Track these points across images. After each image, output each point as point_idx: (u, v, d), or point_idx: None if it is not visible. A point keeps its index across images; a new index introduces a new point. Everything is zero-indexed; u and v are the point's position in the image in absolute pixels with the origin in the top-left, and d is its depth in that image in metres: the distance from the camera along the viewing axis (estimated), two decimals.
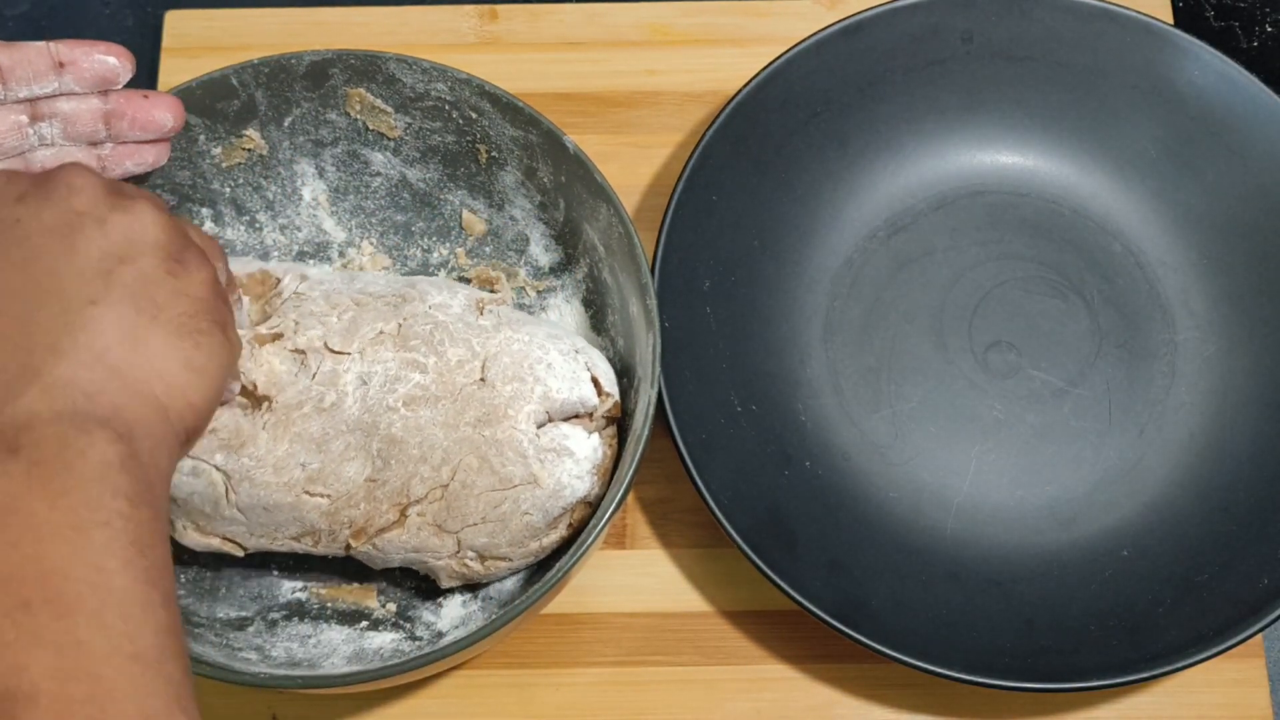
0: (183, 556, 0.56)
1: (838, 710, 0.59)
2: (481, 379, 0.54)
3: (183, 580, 0.57)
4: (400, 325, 0.54)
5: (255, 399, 0.53)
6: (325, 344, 0.54)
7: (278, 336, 0.54)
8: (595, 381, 0.55)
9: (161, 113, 0.52)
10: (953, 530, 0.61)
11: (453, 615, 0.57)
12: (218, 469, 0.53)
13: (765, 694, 0.60)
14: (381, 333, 0.54)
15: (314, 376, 0.53)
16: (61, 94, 0.50)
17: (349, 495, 0.53)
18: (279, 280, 0.56)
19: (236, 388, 0.52)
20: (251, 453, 0.53)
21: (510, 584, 0.58)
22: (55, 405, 0.39)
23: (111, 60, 0.50)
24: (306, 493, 0.53)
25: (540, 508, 0.54)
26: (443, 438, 0.53)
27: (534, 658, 0.60)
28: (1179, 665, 0.55)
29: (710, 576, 0.62)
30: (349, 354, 0.54)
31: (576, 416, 0.55)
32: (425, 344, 0.54)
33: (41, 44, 0.49)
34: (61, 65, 0.49)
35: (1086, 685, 0.55)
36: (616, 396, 0.56)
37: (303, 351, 0.54)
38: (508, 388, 0.54)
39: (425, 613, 0.58)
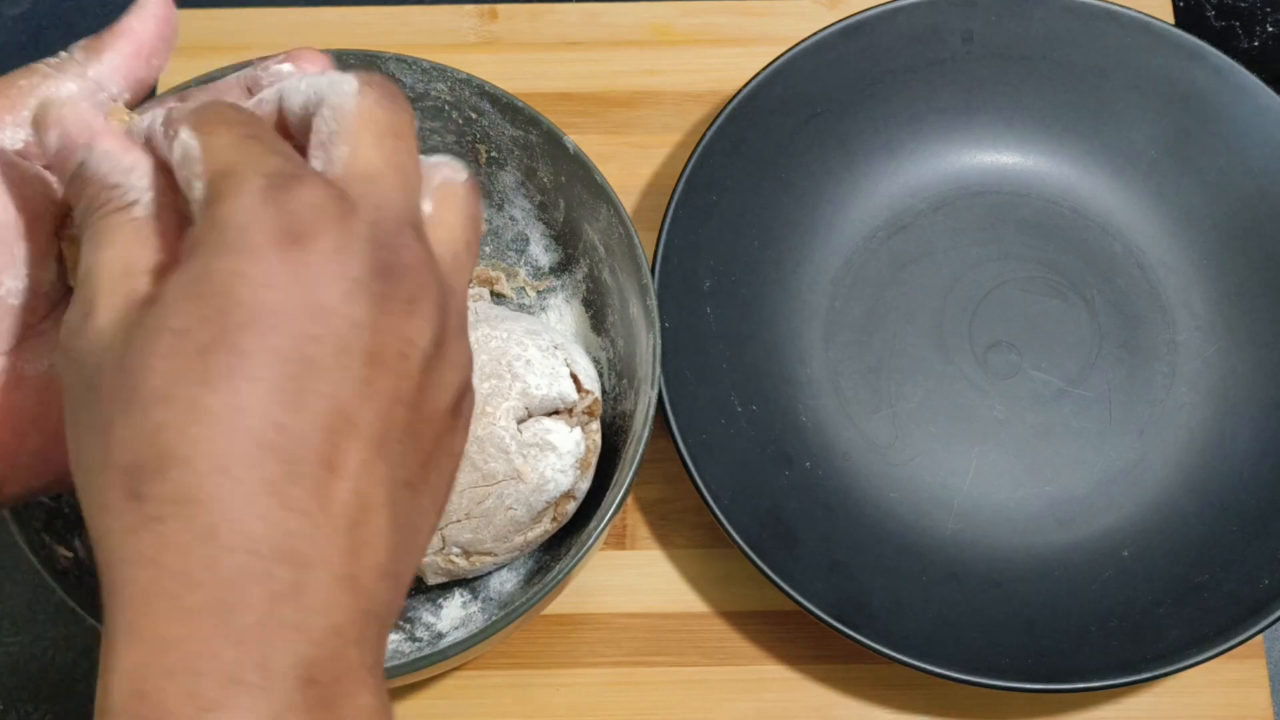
0: None
1: (838, 711, 0.59)
2: None
3: None
4: None
5: None
6: None
7: None
8: (574, 378, 0.56)
9: (307, 65, 0.41)
10: (953, 530, 0.61)
11: (452, 616, 0.57)
12: None
13: (766, 694, 0.60)
14: None
15: None
16: None
17: None
18: None
19: None
20: None
21: (510, 585, 0.58)
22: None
23: (286, 68, 0.41)
24: None
25: (524, 502, 0.54)
26: None
27: (534, 659, 0.60)
28: (1179, 666, 0.55)
29: (711, 577, 0.61)
30: None
31: (557, 412, 0.55)
32: None
33: (232, 79, 0.41)
34: (250, 92, 0.41)
35: (1087, 686, 0.55)
36: (596, 393, 0.56)
37: None
38: (485, 385, 0.54)
39: (425, 614, 0.58)
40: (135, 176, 0.35)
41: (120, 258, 0.33)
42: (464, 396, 0.34)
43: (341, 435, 0.30)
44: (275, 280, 0.30)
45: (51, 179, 0.38)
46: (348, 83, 0.34)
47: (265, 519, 0.29)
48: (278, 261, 0.30)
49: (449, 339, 0.33)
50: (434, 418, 0.33)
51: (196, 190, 0.32)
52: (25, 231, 0.38)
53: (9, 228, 0.37)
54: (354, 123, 0.34)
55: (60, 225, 0.39)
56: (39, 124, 0.36)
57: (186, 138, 0.33)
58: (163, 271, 0.33)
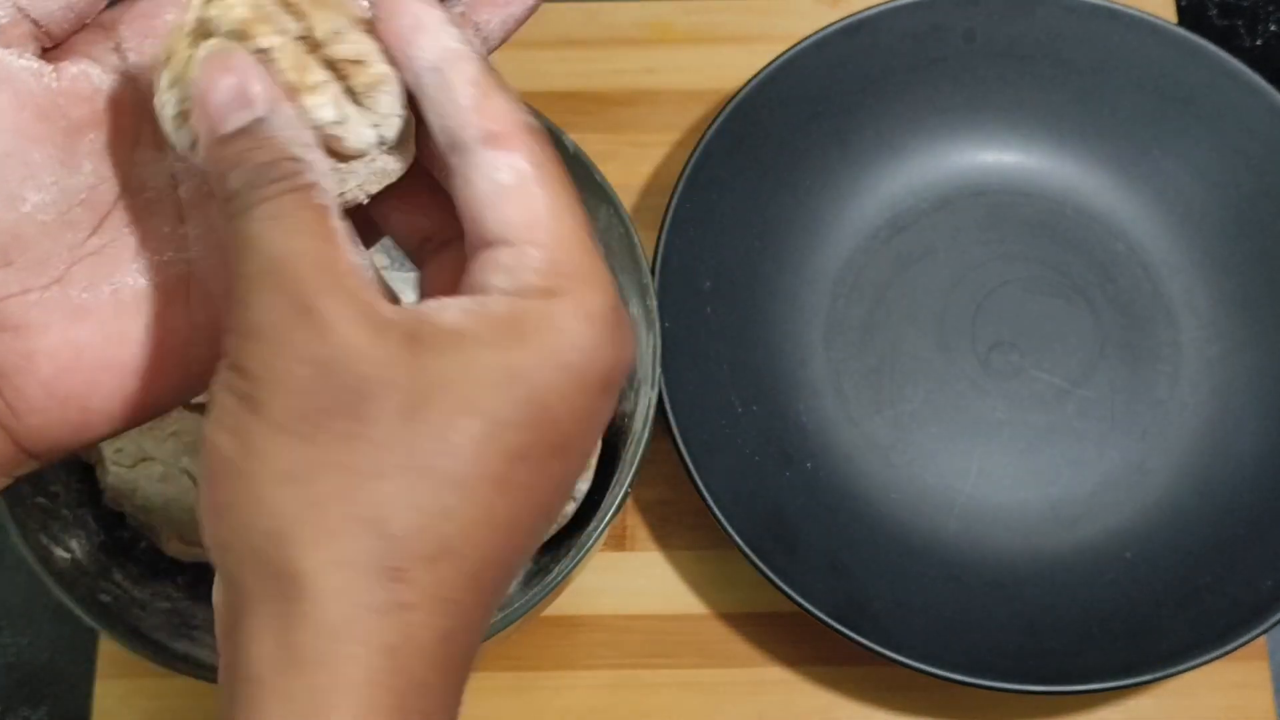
0: (182, 559, 0.56)
1: (839, 713, 0.59)
2: None
3: (180, 582, 0.57)
4: None
5: None
6: None
7: None
8: None
9: None
10: (954, 532, 0.61)
11: None
12: (185, 472, 0.53)
13: (766, 696, 0.59)
14: None
15: None
16: None
17: None
18: None
19: None
20: None
21: (510, 586, 0.58)
22: None
23: None
24: None
25: None
26: None
27: (534, 661, 0.60)
28: (1182, 668, 0.55)
29: (711, 578, 0.61)
30: None
31: None
32: None
33: None
34: None
35: (1089, 688, 0.55)
36: None
37: None
38: None
39: None
40: (313, 154, 0.30)
41: (321, 251, 0.28)
42: None
43: (537, 542, 0.31)
44: (582, 417, 0.29)
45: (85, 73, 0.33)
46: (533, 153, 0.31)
47: (480, 625, 0.29)
48: (591, 401, 0.30)
49: None
50: None
51: (524, 260, 0.29)
52: (34, 130, 0.32)
53: (20, 133, 0.32)
54: (550, 221, 0.30)
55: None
56: (210, 67, 0.30)
57: (527, 178, 0.30)
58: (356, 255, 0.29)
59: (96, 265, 0.33)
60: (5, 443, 0.33)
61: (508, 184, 0.29)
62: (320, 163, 0.30)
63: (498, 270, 0.29)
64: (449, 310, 0.28)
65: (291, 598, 0.27)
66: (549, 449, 0.29)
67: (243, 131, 0.29)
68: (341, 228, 0.29)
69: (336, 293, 0.28)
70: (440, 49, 0.31)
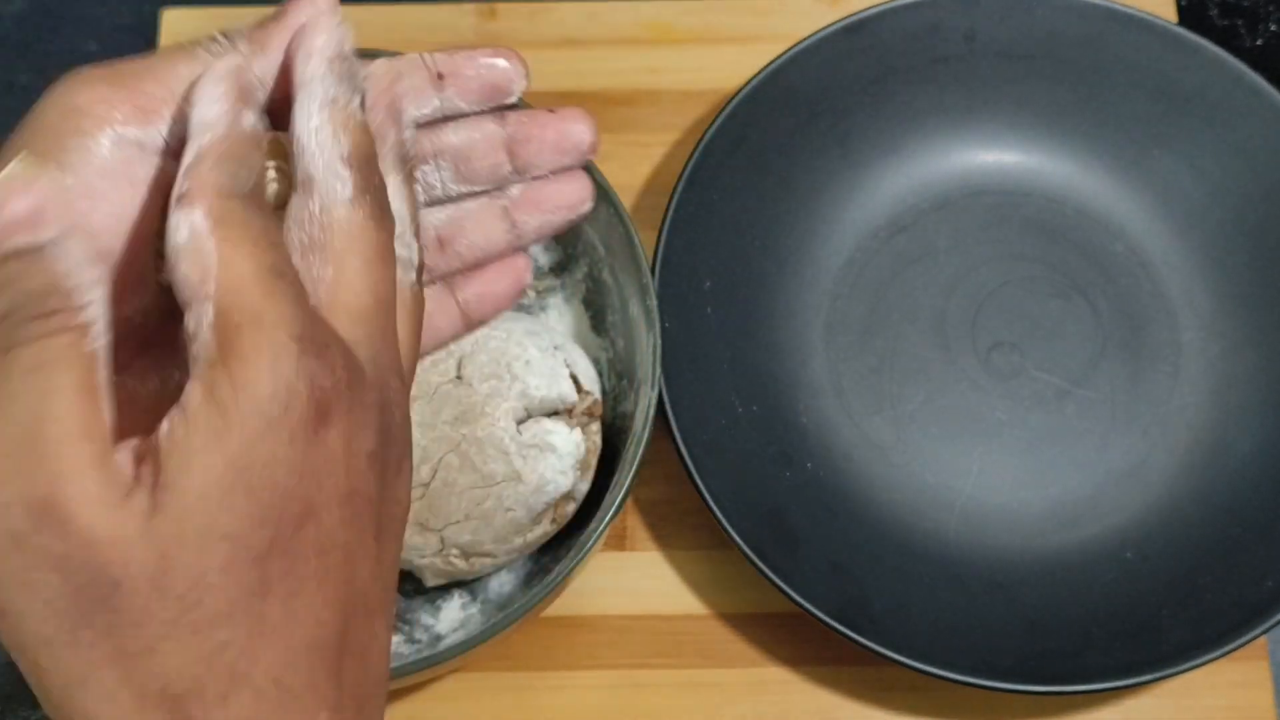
0: None
1: (839, 713, 0.59)
2: (457, 377, 0.54)
3: None
4: None
5: None
6: None
7: None
8: (574, 378, 0.55)
9: (577, 126, 0.38)
10: (955, 532, 0.61)
11: (451, 618, 0.57)
12: None
13: (767, 697, 0.59)
14: None
15: None
16: (446, 118, 0.37)
17: None
18: None
19: None
20: None
21: (509, 587, 0.58)
22: None
23: (501, 64, 0.37)
24: None
25: (524, 503, 0.54)
26: (420, 437, 0.53)
27: (533, 661, 0.60)
28: (1182, 667, 0.55)
29: (711, 579, 0.61)
30: None
31: (556, 413, 0.55)
32: None
33: (414, 55, 0.36)
34: (441, 78, 0.36)
35: (1089, 688, 0.55)
36: (596, 394, 0.56)
37: None
38: (485, 385, 0.54)
39: (423, 615, 0.57)
40: (97, 291, 0.29)
41: (77, 405, 0.27)
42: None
43: (367, 616, 0.30)
44: (314, 468, 0.28)
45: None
46: (342, 182, 0.30)
47: (329, 691, 0.29)
48: (313, 446, 0.28)
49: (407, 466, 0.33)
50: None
51: (202, 319, 0.28)
52: (129, 245, 0.32)
53: (116, 235, 0.31)
54: (342, 241, 0.30)
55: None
56: (7, 186, 0.29)
57: (200, 232, 0.28)
58: (146, 426, 0.28)
59: (151, 355, 0.34)
60: None
61: (182, 243, 0.28)
62: (101, 301, 0.28)
63: (189, 342, 0.28)
64: (166, 429, 0.28)
65: None
66: (295, 522, 0.28)
67: (21, 253, 0.28)
68: (103, 378, 0.28)
69: (80, 474, 0.27)
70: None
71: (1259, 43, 0.72)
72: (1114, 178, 0.66)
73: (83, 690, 0.28)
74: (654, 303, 0.54)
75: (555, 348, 0.56)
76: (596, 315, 0.60)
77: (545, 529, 0.55)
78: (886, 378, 0.63)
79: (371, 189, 0.31)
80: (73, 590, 0.27)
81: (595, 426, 0.56)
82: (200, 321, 0.28)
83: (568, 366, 0.56)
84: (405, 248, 0.33)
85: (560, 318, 0.62)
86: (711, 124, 0.62)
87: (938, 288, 0.65)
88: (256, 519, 0.27)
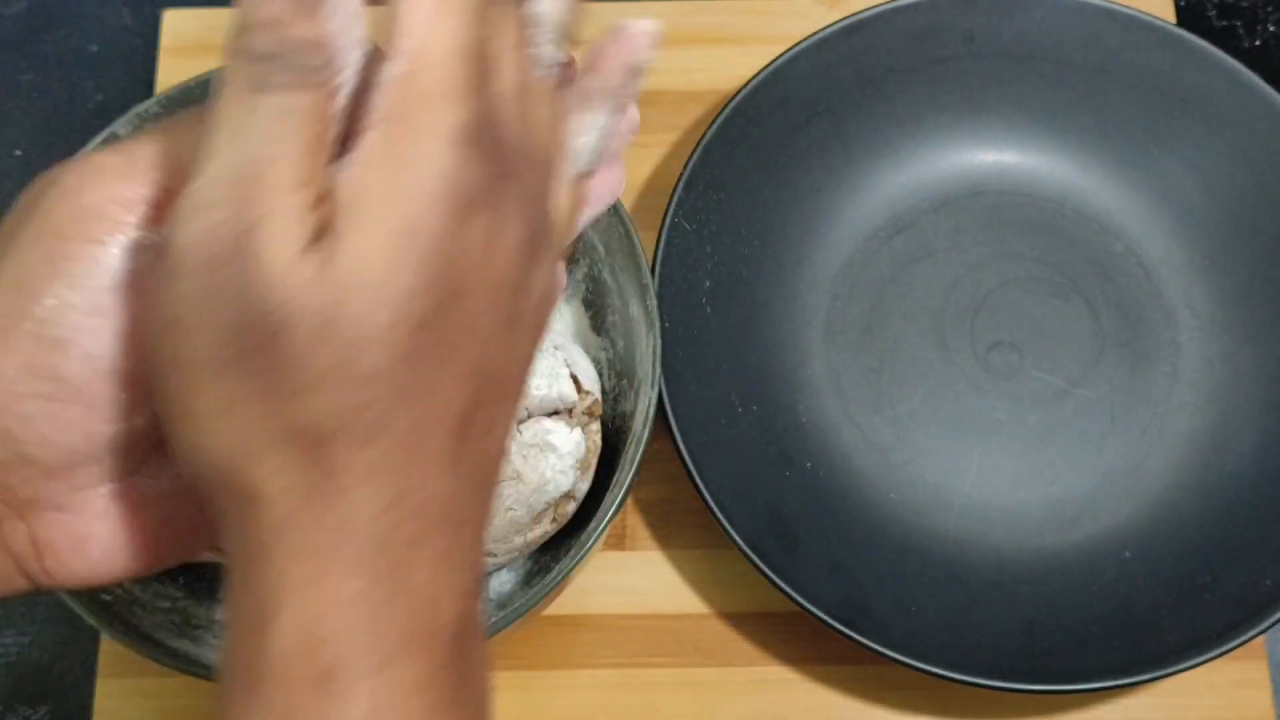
0: None
1: (839, 712, 0.59)
2: None
3: (182, 581, 0.57)
4: None
5: None
6: None
7: None
8: (574, 378, 0.55)
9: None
10: (954, 531, 0.61)
11: None
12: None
13: (766, 696, 0.60)
14: None
15: None
16: None
17: None
18: None
19: None
20: None
21: (509, 586, 0.58)
22: None
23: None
24: None
25: (524, 503, 0.54)
26: None
27: (534, 660, 0.60)
28: (1181, 667, 0.55)
29: (711, 578, 0.61)
30: None
31: (557, 412, 0.55)
32: None
33: None
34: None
35: (1088, 687, 0.55)
36: (596, 393, 0.56)
37: None
38: None
39: None
40: (356, 53, 0.30)
41: (302, 158, 0.29)
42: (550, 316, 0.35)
43: (494, 399, 0.31)
44: (469, 249, 0.29)
45: None
46: None
47: (440, 485, 0.30)
48: (469, 228, 0.29)
49: (555, 269, 0.34)
50: (534, 353, 0.34)
51: (394, 72, 0.29)
52: (120, 367, 0.32)
53: (127, 350, 0.32)
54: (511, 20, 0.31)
55: None
56: None
57: None
58: (329, 189, 0.29)
59: (163, 454, 0.34)
60: (17, 578, 0.34)
61: None
62: (355, 61, 0.29)
63: (374, 90, 0.29)
64: (344, 177, 0.29)
65: (246, 507, 0.29)
66: (449, 298, 0.29)
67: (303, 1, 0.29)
68: (331, 134, 0.29)
69: (284, 219, 0.28)
70: None
71: (1257, 43, 0.72)
72: (1113, 178, 0.66)
73: (228, 416, 0.29)
74: (654, 303, 0.54)
75: (555, 348, 0.56)
76: (596, 315, 0.60)
77: (545, 528, 0.55)
78: (886, 377, 0.64)
79: None
80: (245, 323, 0.28)
81: (595, 426, 0.56)
82: (391, 74, 0.29)
83: (568, 366, 0.56)
84: (550, 45, 0.33)
85: (560, 318, 0.62)
86: (711, 124, 0.63)
87: (937, 288, 0.65)
88: (419, 287, 0.28)
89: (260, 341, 0.28)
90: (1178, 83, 0.65)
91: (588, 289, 0.60)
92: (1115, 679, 0.55)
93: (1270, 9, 0.73)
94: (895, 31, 0.65)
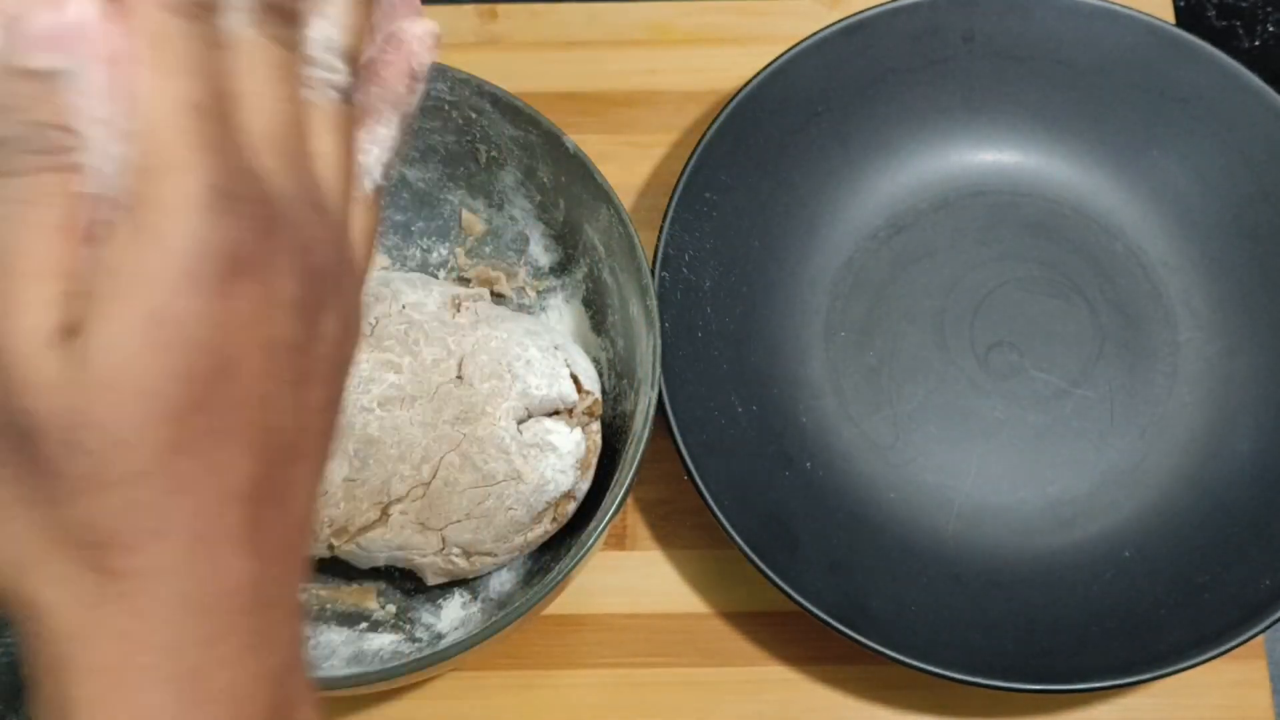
0: None
1: (839, 712, 0.59)
2: (458, 377, 0.54)
3: None
4: (373, 326, 0.55)
5: None
6: None
7: None
8: (574, 378, 0.56)
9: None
10: (954, 531, 0.61)
11: (452, 617, 0.57)
12: None
13: (766, 695, 0.60)
14: None
15: None
16: None
17: (327, 495, 0.53)
18: None
19: None
20: None
21: (510, 585, 0.58)
22: None
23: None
24: None
25: (524, 503, 0.54)
26: (421, 436, 0.53)
27: (534, 659, 0.60)
28: (1180, 666, 0.55)
29: (711, 578, 0.61)
30: None
31: (557, 412, 0.55)
32: (400, 344, 0.54)
33: None
34: None
35: (1087, 686, 0.55)
36: (596, 393, 0.56)
37: None
38: (485, 385, 0.54)
39: (425, 614, 0.58)
40: (97, 131, 0.27)
41: (49, 246, 0.27)
42: (355, 344, 0.33)
43: (289, 462, 0.29)
44: (231, 320, 0.27)
45: None
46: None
47: (237, 573, 0.28)
48: (229, 298, 0.27)
49: (349, 296, 0.32)
50: (340, 390, 0.32)
51: (126, 157, 0.27)
52: None
53: None
54: (246, 61, 0.28)
55: None
56: None
57: (133, 56, 0.27)
58: (76, 271, 0.27)
59: None
60: None
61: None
62: (102, 144, 0.27)
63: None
64: (91, 278, 0.27)
65: (32, 621, 0.28)
66: (213, 377, 0.27)
67: (35, 75, 0.26)
68: (84, 218, 0.27)
69: (30, 312, 0.27)
70: None
71: (1256, 44, 0.72)
72: (1112, 178, 0.66)
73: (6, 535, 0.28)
74: (654, 303, 0.54)
75: (555, 347, 0.56)
76: (597, 315, 0.60)
77: (546, 528, 0.55)
78: (886, 377, 0.64)
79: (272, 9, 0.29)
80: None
81: (595, 426, 0.57)
82: (125, 156, 0.27)
83: (568, 366, 0.56)
84: (329, 70, 0.31)
85: (560, 318, 0.62)
86: (711, 125, 0.63)
87: (937, 288, 0.65)
88: (173, 374, 0.27)
89: (13, 446, 0.27)
90: (1177, 83, 0.65)
91: (588, 289, 0.61)
92: (1115, 679, 0.55)
93: (1269, 9, 0.73)
94: (895, 31, 0.65)
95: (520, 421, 0.54)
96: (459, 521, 0.54)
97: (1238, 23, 0.73)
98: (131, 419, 0.27)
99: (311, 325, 0.29)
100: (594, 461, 0.56)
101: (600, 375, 0.59)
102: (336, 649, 0.56)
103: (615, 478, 0.54)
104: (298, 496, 0.30)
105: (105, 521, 0.27)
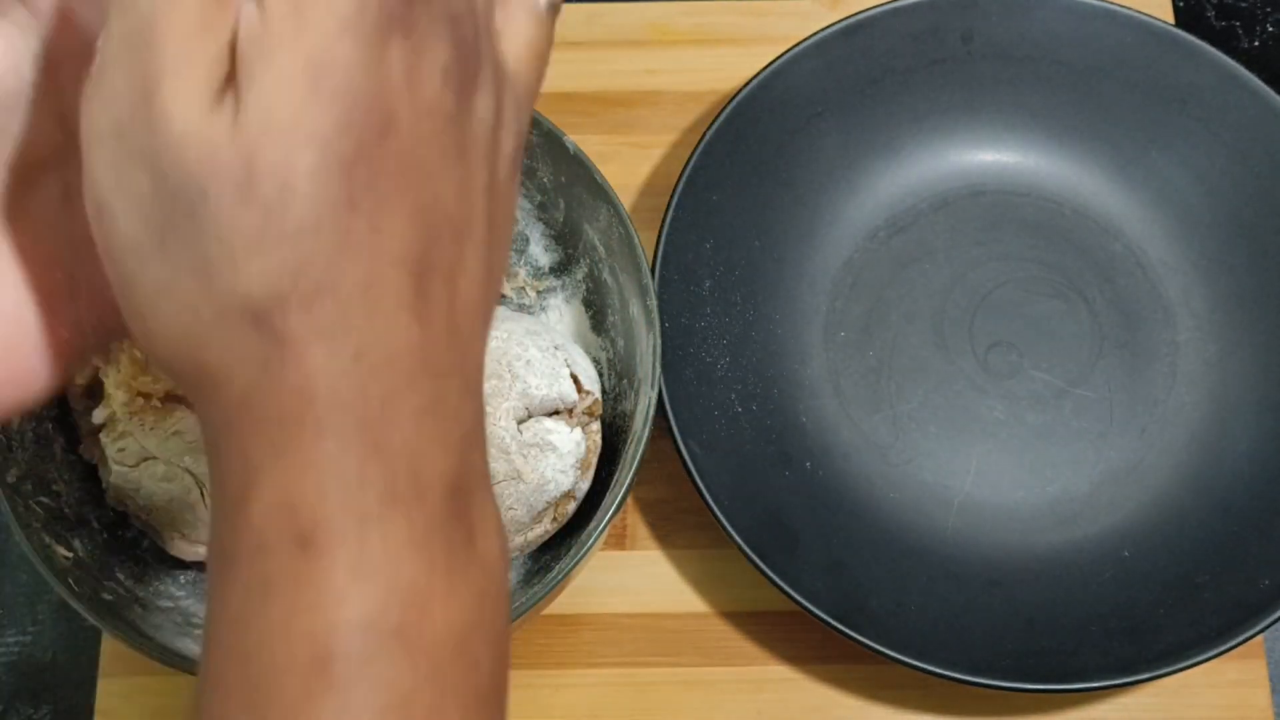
0: (184, 558, 0.56)
1: (838, 711, 0.59)
2: None
3: (182, 581, 0.57)
4: None
5: None
6: None
7: None
8: (574, 378, 0.56)
9: None
10: (953, 531, 0.61)
11: None
12: (189, 471, 0.53)
13: (766, 695, 0.60)
14: None
15: None
16: None
17: None
18: None
19: None
20: None
21: (510, 585, 0.58)
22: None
23: None
24: None
25: (525, 502, 0.54)
26: None
27: (534, 659, 0.60)
28: (1179, 666, 0.55)
29: (711, 577, 0.61)
30: None
31: (557, 412, 0.55)
32: None
33: None
34: None
35: (1087, 686, 0.55)
36: (596, 393, 0.56)
37: None
38: (485, 385, 0.54)
39: None
40: None
41: (208, 8, 0.27)
42: (519, 148, 0.33)
43: (454, 239, 0.29)
44: (390, 77, 0.27)
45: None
46: None
47: (406, 336, 0.28)
48: (386, 53, 0.27)
49: (505, 96, 0.31)
50: (506, 188, 0.32)
51: None
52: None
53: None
54: None
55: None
56: None
57: None
58: (231, 26, 0.27)
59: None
60: None
61: None
62: None
63: None
64: (245, 24, 0.27)
65: (205, 388, 0.28)
66: (376, 131, 0.27)
67: None
68: None
69: (186, 71, 0.26)
70: None
71: (1256, 44, 0.72)
72: (1111, 178, 0.67)
73: (168, 299, 0.28)
74: (654, 303, 0.54)
75: (555, 347, 0.56)
76: (597, 315, 0.60)
77: (546, 527, 0.56)
78: (885, 377, 0.64)
79: None
80: (162, 194, 0.27)
81: (595, 426, 0.57)
82: None
83: (568, 366, 0.56)
84: None
85: (560, 318, 0.62)
86: (711, 125, 0.63)
87: (936, 288, 0.65)
88: (339, 122, 0.27)
89: (182, 213, 0.27)
90: (1176, 83, 0.65)
91: (588, 289, 0.61)
92: (1114, 678, 0.55)
93: (1269, 10, 0.73)
94: (895, 32, 0.65)
95: (520, 421, 0.54)
96: None
97: (1237, 23, 0.73)
98: (303, 165, 0.26)
99: (465, 98, 0.29)
100: (594, 461, 0.56)
101: (600, 375, 0.59)
102: None
103: (615, 478, 0.54)
104: (466, 275, 0.30)
105: (272, 283, 0.27)
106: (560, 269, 0.62)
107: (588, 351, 0.59)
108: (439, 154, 0.29)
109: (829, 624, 0.55)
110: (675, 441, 0.57)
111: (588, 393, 0.56)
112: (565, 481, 0.55)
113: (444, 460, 0.29)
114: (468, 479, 0.30)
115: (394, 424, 0.28)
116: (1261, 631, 0.55)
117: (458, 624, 0.30)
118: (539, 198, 0.60)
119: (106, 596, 0.51)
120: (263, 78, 0.26)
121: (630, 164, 0.68)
